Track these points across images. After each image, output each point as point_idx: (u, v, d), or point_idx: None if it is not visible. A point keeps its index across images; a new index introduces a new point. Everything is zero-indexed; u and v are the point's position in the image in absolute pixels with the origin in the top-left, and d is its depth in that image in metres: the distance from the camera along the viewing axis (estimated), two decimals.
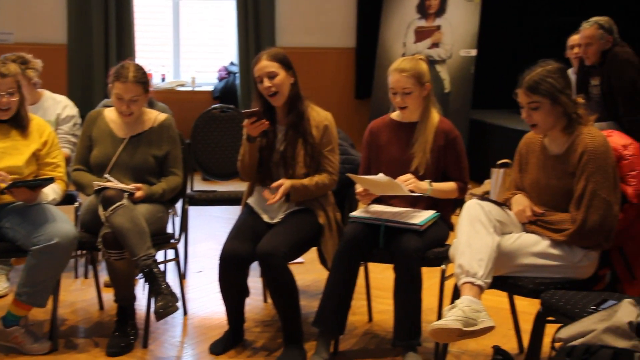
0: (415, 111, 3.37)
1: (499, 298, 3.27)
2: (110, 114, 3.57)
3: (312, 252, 3.46)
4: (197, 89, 7.88)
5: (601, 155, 2.85)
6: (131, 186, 3.34)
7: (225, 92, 7.73)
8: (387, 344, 3.43)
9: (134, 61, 3.58)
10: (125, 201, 3.18)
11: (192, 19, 8.16)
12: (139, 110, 3.49)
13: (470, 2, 7.21)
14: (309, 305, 3.77)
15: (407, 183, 3.21)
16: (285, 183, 3.26)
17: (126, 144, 3.48)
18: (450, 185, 3.33)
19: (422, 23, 7.43)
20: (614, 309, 2.42)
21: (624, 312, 2.37)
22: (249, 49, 7.56)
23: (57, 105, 4.16)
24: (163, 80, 7.86)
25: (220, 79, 7.93)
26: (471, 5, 7.21)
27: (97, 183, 3.30)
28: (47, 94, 4.19)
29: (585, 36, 4.97)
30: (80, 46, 7.38)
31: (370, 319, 3.76)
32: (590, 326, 2.41)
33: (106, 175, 3.39)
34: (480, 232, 2.83)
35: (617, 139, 3.02)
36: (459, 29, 7.26)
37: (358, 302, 3.87)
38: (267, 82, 3.31)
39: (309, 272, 4.43)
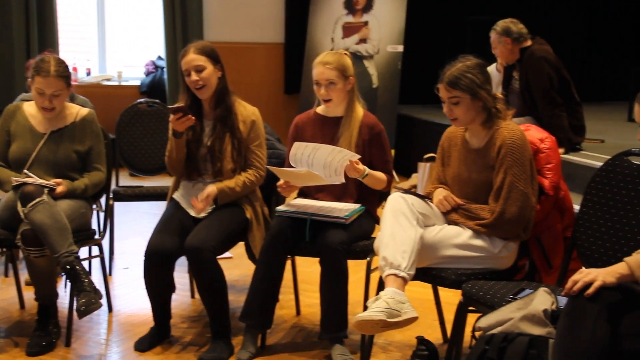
0: (339, 105, 3.40)
1: (424, 289, 3.33)
2: (29, 109, 3.48)
3: (240, 247, 3.46)
4: (123, 83, 7.76)
5: (518, 148, 2.93)
6: (51, 182, 3.26)
7: (153, 87, 7.64)
8: (314, 337, 3.46)
9: (54, 54, 3.50)
10: (45, 197, 3.11)
11: (118, 12, 8.01)
12: (61, 105, 3.42)
13: None
14: (237, 300, 3.77)
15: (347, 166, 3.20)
16: (211, 191, 3.26)
17: (47, 139, 3.40)
18: (382, 174, 3.37)
19: (350, 19, 7.48)
20: (531, 298, 2.50)
21: (540, 300, 2.45)
22: (176, 44, 7.48)
23: None
24: (88, 74, 7.70)
25: (148, 73, 7.82)
26: (397, 2, 7.30)
27: (16, 179, 3.21)
28: None
29: (491, 41, 5.23)
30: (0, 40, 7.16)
31: (298, 312, 3.78)
32: (508, 315, 2.48)
33: (25, 171, 3.30)
34: (403, 224, 2.88)
35: (534, 133, 3.11)
36: (386, 25, 7.34)
37: (286, 296, 3.90)
38: (194, 76, 3.29)
39: (237, 267, 4.43)
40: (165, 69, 7.69)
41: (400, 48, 7.30)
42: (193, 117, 3.24)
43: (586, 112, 5.38)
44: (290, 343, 3.44)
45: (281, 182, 3.28)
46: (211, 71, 3.32)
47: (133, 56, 8.06)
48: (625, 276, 2.19)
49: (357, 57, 7.27)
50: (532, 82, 5.05)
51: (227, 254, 4.59)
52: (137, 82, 7.78)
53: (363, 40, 7.41)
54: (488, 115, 3.00)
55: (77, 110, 3.51)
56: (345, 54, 3.42)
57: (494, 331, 2.45)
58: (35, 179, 3.23)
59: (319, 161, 3.14)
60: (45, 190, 3.16)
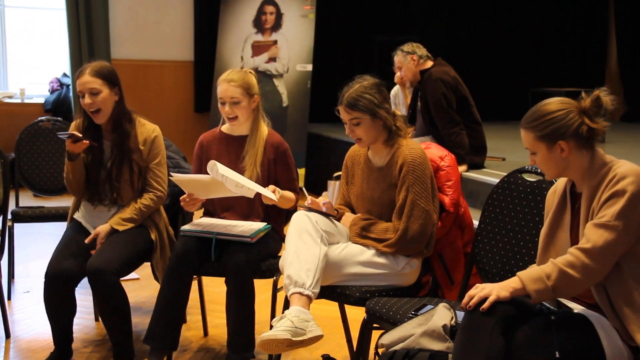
0: (244, 123, 3.39)
1: (331, 307, 3.35)
2: None
3: (148, 268, 3.40)
4: (27, 101, 7.53)
5: (419, 166, 3.00)
6: None
7: (58, 105, 7.45)
8: (222, 358, 3.42)
9: None
10: None
11: (20, 26, 7.79)
12: None
13: (305, 18, 7.38)
14: (143, 322, 3.69)
15: (273, 193, 3.19)
16: (103, 232, 3.21)
17: None
18: (290, 193, 3.37)
19: (259, 37, 7.51)
20: (431, 314, 2.56)
21: (439, 315, 2.51)
22: (82, 60, 7.32)
23: None
24: None
25: (52, 90, 7.63)
26: (306, 21, 7.38)
27: None
28: None
29: (395, 62, 5.38)
30: None
31: (206, 333, 3.74)
32: (410, 331, 2.53)
33: None
34: (307, 242, 2.90)
35: (435, 151, 3.20)
36: (294, 44, 7.41)
37: (193, 317, 3.86)
38: (88, 99, 3.22)
39: (143, 288, 4.36)
40: (70, 87, 7.51)
41: (310, 67, 7.37)
42: (87, 141, 3.17)
43: (489, 130, 5.56)
44: None
45: (184, 195, 3.25)
46: (107, 95, 3.24)
47: (37, 73, 7.84)
48: (518, 290, 2.27)
49: (266, 76, 7.31)
50: (430, 102, 5.19)
51: (133, 275, 4.54)
52: (41, 100, 7.57)
53: (272, 59, 7.45)
54: (389, 134, 3.06)
55: None
56: (250, 72, 3.42)
57: (397, 347, 2.49)
58: None
59: (231, 183, 3.11)
60: None
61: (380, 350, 2.57)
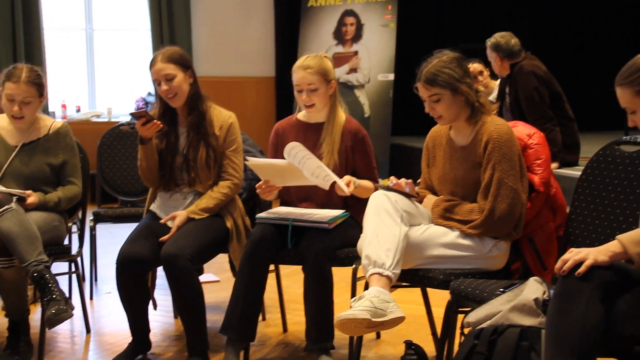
0: (322, 110, 3.29)
1: (415, 306, 3.20)
2: (0, 121, 3.38)
3: (229, 271, 3.32)
4: (113, 119, 7.69)
5: (506, 143, 2.82)
6: (21, 191, 3.14)
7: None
8: (301, 352, 3.30)
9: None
10: (13, 205, 2.98)
11: (108, 48, 8.01)
12: (32, 114, 3.31)
13: (385, 28, 7.29)
14: (222, 320, 3.61)
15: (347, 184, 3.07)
16: (177, 217, 3.14)
17: (18, 152, 3.30)
18: (368, 183, 3.24)
19: (340, 49, 7.46)
20: (520, 289, 2.37)
21: (530, 289, 2.32)
22: None
23: None
24: (78, 111, 7.64)
25: (138, 109, 7.75)
26: (387, 31, 7.28)
27: None
28: None
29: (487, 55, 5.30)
30: None
31: (285, 329, 3.62)
32: (498, 307, 2.35)
33: None
34: (386, 222, 2.75)
35: (522, 129, 3.01)
36: (375, 54, 7.32)
37: (272, 314, 3.77)
38: (164, 85, 3.20)
39: (224, 289, 4.29)
40: (153, 104, 7.62)
41: (391, 76, 7.25)
42: (159, 122, 3.13)
43: (583, 132, 5.31)
44: (276, 358, 3.28)
45: (260, 182, 3.15)
46: (181, 79, 3.21)
47: (123, 93, 8.01)
48: (618, 254, 2.05)
49: (348, 87, 7.24)
50: (521, 97, 4.99)
51: (213, 277, 4.50)
52: (128, 118, 7.71)
53: (353, 70, 7.38)
54: (472, 111, 2.90)
55: (50, 123, 3.41)
56: (325, 56, 3.33)
57: (484, 325, 2.31)
58: (2, 188, 3.10)
59: (309, 168, 3.01)
60: (14, 198, 3.04)
61: (465, 330, 2.39)
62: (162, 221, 3.15)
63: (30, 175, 3.27)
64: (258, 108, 8.02)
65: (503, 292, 2.43)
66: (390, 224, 2.75)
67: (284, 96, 7.98)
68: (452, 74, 2.86)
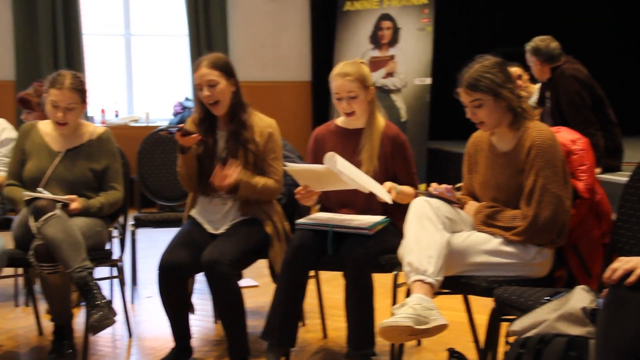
0: (361, 116, 3.28)
1: (456, 313, 3.17)
2: (44, 127, 3.42)
3: (268, 276, 3.32)
4: (151, 124, 7.76)
5: (549, 149, 2.78)
6: (65, 197, 3.18)
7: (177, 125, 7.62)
8: (342, 359, 3.28)
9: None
10: (57, 211, 3.02)
11: (145, 54, 8.08)
12: (75, 120, 3.35)
13: (422, 31, 7.25)
14: (262, 325, 3.59)
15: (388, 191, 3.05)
16: (236, 176, 3.12)
17: (62, 158, 3.34)
18: (409, 188, 3.22)
19: (376, 53, 7.44)
20: (567, 297, 2.32)
21: (577, 298, 2.27)
22: None
23: None
24: (116, 116, 7.73)
25: (176, 114, 7.83)
26: (423, 34, 7.24)
27: (28, 194, 3.13)
28: None
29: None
30: (28, 83, 7.18)
31: (325, 336, 3.62)
32: (544, 316, 2.31)
33: (39, 189, 3.22)
34: (428, 228, 2.73)
35: (565, 135, 2.97)
36: (412, 58, 7.28)
37: (312, 320, 3.76)
38: (206, 91, 3.20)
39: (263, 294, 4.29)
40: (192, 109, 7.67)
41: (428, 80, 7.21)
42: (197, 135, 3.13)
43: (626, 137, 5.22)
44: None
45: (300, 188, 3.15)
46: (225, 86, 3.21)
47: (161, 98, 8.08)
48: None
49: (384, 91, 7.21)
50: (562, 101, 4.92)
51: (252, 282, 4.51)
52: (165, 123, 7.79)
53: (390, 74, 7.35)
54: (514, 116, 2.86)
55: (93, 129, 3.45)
56: (362, 62, 3.32)
57: (529, 334, 2.27)
58: (47, 194, 3.14)
59: (348, 174, 2.99)
60: (58, 205, 3.08)
61: (510, 339, 2.36)
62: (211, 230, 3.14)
63: (74, 181, 3.31)
64: (294, 112, 8.03)
65: (548, 300, 2.40)
66: (432, 230, 2.73)
67: (320, 100, 7.98)
68: (494, 79, 2.83)
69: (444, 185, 2.92)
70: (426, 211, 2.77)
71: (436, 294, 2.77)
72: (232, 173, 3.12)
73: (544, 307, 2.35)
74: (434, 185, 2.92)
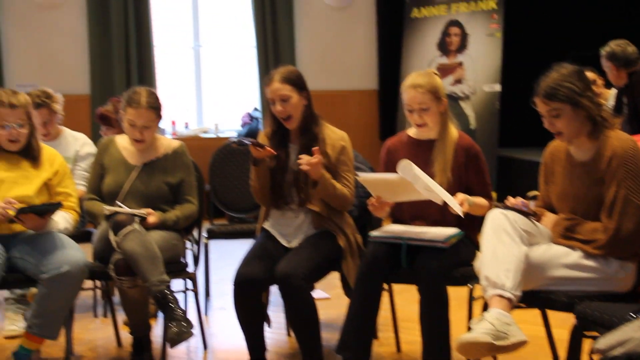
0: (433, 128, 3.25)
1: (533, 326, 3.10)
2: (122, 141, 3.50)
3: (339, 288, 3.31)
4: (220, 135, 7.86)
5: (631, 159, 2.70)
6: (143, 210, 3.24)
7: (249, 137, 7.70)
8: None
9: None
10: (136, 226, 3.09)
11: (214, 65, 8.20)
12: (151, 136, 3.42)
13: (491, 37, 7.14)
14: (334, 338, 3.58)
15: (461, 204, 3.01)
16: (320, 171, 3.10)
17: (139, 172, 3.41)
18: (482, 200, 3.17)
19: (444, 60, 7.37)
20: None
21: None
22: None
23: (76, 143, 4.15)
24: (186, 127, 7.85)
25: (244, 124, 7.91)
26: (492, 40, 7.14)
27: (108, 208, 3.21)
28: (66, 131, 4.20)
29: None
30: (103, 96, 7.39)
31: (399, 349, 3.58)
32: (631, 334, 2.24)
33: (117, 202, 3.30)
34: (505, 241, 2.68)
35: None
36: (481, 65, 7.18)
37: (385, 333, 3.73)
38: (279, 106, 3.21)
39: (334, 307, 4.28)
40: (261, 120, 7.77)
41: (498, 87, 7.10)
42: (269, 149, 3.15)
43: None
44: None
45: (372, 198, 3.13)
46: (297, 100, 3.22)
47: (230, 109, 8.17)
48: None
49: (452, 99, 7.13)
50: (639, 105, 4.78)
51: (324, 294, 4.50)
52: (234, 133, 7.87)
53: (458, 81, 7.27)
54: (594, 125, 2.79)
55: (168, 143, 3.52)
56: (434, 73, 3.28)
57: (615, 352, 2.20)
58: (126, 209, 3.22)
59: (422, 184, 2.96)
60: (137, 219, 3.14)
61: (595, 357, 2.29)
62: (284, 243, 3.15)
63: (150, 195, 3.37)
64: (361, 121, 8.02)
65: (634, 317, 2.32)
66: (510, 243, 2.68)
67: (387, 109, 7.94)
68: (572, 87, 2.77)
69: (519, 199, 2.86)
70: (503, 224, 2.72)
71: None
72: (317, 160, 3.09)
73: (630, 324, 2.28)
74: (511, 200, 2.86)
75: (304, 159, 3.08)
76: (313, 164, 3.07)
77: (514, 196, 2.90)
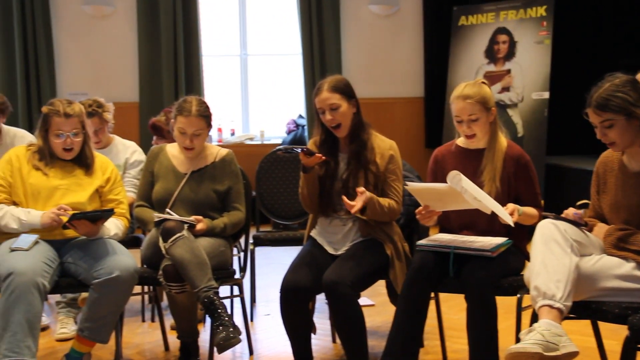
0: (482, 138, 3.23)
1: (583, 337, 3.05)
2: (172, 149, 3.56)
3: (383, 295, 3.30)
4: (266, 142, 7.91)
5: None
6: (192, 218, 3.29)
7: (294, 144, 7.73)
8: None
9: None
10: (185, 232, 3.13)
11: (260, 73, 8.27)
12: (201, 145, 3.47)
13: (540, 44, 7.07)
14: (379, 345, 3.59)
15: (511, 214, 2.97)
16: (365, 192, 3.11)
17: (188, 179, 3.45)
18: (532, 210, 3.14)
19: (491, 68, 7.31)
20: None
21: None
22: None
23: (126, 150, 4.22)
24: (232, 134, 7.93)
25: (289, 131, 7.96)
26: (541, 47, 7.06)
27: (157, 215, 3.26)
28: (117, 139, 4.28)
29: None
30: (151, 104, 7.54)
31: (445, 358, 3.55)
32: None
33: (167, 210, 3.35)
34: (555, 252, 2.65)
35: None
36: (529, 72, 7.11)
37: (431, 342, 3.71)
38: (329, 115, 3.23)
39: (379, 314, 4.28)
40: (305, 127, 7.80)
41: (546, 95, 7.01)
42: (320, 155, 3.16)
43: None
44: None
45: (421, 207, 3.12)
46: (346, 109, 3.24)
47: (275, 115, 8.23)
48: None
49: (500, 106, 7.07)
50: None
51: (369, 301, 4.50)
52: (279, 140, 7.92)
53: (506, 89, 7.21)
54: None
55: (216, 151, 3.56)
56: (483, 82, 3.26)
57: None
58: (175, 216, 3.26)
59: (471, 194, 2.94)
60: (186, 226, 3.19)
61: None
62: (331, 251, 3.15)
63: (198, 202, 3.41)
64: (407, 128, 7.99)
65: None
66: (560, 254, 2.65)
67: (433, 116, 7.91)
68: (625, 98, 2.72)
69: (571, 209, 2.82)
70: (553, 234, 2.69)
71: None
72: (357, 203, 3.10)
73: None
74: (566, 212, 2.82)
75: (347, 204, 3.08)
76: (357, 208, 3.07)
77: (563, 205, 2.87)
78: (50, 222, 3.14)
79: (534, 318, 2.65)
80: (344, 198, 3.11)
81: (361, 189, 3.11)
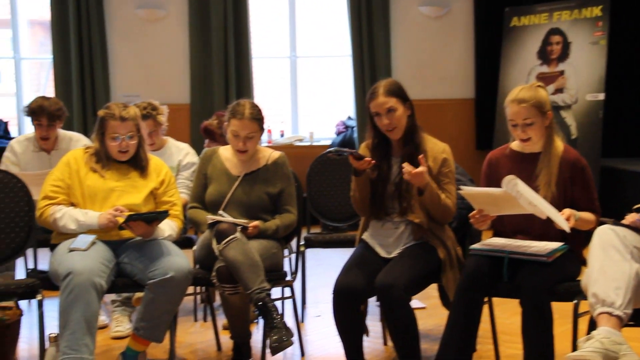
0: (538, 142, 3.18)
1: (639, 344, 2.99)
2: (225, 152, 3.59)
3: (434, 298, 3.28)
4: (315, 143, 7.93)
5: None
6: (244, 220, 3.31)
7: (344, 146, 7.73)
8: None
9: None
10: (238, 234, 3.16)
11: (310, 74, 8.29)
12: (254, 147, 3.50)
13: (595, 45, 6.94)
14: (431, 349, 3.59)
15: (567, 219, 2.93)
16: (426, 177, 3.08)
17: (241, 182, 3.48)
18: (589, 215, 3.09)
19: (544, 69, 7.20)
20: None
21: None
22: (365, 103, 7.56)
23: (180, 152, 4.27)
24: (282, 135, 7.97)
25: (338, 133, 7.97)
26: (596, 48, 6.93)
27: (211, 217, 3.30)
28: (170, 141, 4.33)
29: None
30: (202, 105, 7.63)
31: None
32: None
33: (220, 212, 3.38)
34: (614, 258, 2.60)
35: None
36: (584, 73, 6.98)
37: (484, 346, 3.68)
38: (385, 119, 3.21)
39: (430, 316, 4.26)
40: (355, 128, 7.79)
41: (601, 96, 6.88)
42: (370, 159, 3.14)
43: None
44: None
45: (474, 211, 3.09)
46: (402, 112, 3.23)
47: (324, 117, 8.24)
48: None
49: (553, 108, 6.92)
50: None
51: (420, 304, 4.47)
52: (328, 142, 7.93)
53: (559, 90, 7.09)
54: None
55: (269, 154, 3.58)
56: (539, 86, 3.21)
57: None
58: (229, 218, 3.29)
59: (526, 198, 2.90)
60: (239, 228, 3.21)
61: None
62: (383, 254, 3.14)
63: (251, 204, 3.44)
64: (458, 130, 7.93)
65: None
66: (619, 260, 2.60)
67: (484, 118, 7.83)
68: None
69: (632, 214, 2.76)
70: (612, 240, 2.64)
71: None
72: (421, 167, 3.07)
73: None
74: (628, 217, 2.76)
75: (407, 167, 3.07)
76: (418, 173, 3.05)
77: (618, 208, 2.81)
78: (107, 223, 3.20)
79: (592, 325, 2.60)
80: (405, 164, 3.08)
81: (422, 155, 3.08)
